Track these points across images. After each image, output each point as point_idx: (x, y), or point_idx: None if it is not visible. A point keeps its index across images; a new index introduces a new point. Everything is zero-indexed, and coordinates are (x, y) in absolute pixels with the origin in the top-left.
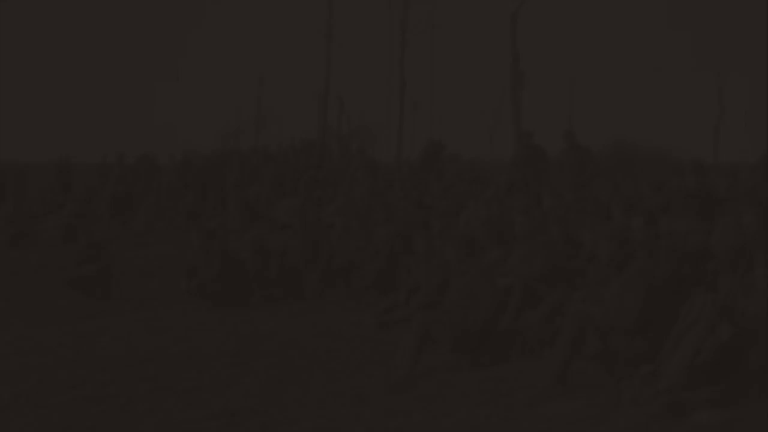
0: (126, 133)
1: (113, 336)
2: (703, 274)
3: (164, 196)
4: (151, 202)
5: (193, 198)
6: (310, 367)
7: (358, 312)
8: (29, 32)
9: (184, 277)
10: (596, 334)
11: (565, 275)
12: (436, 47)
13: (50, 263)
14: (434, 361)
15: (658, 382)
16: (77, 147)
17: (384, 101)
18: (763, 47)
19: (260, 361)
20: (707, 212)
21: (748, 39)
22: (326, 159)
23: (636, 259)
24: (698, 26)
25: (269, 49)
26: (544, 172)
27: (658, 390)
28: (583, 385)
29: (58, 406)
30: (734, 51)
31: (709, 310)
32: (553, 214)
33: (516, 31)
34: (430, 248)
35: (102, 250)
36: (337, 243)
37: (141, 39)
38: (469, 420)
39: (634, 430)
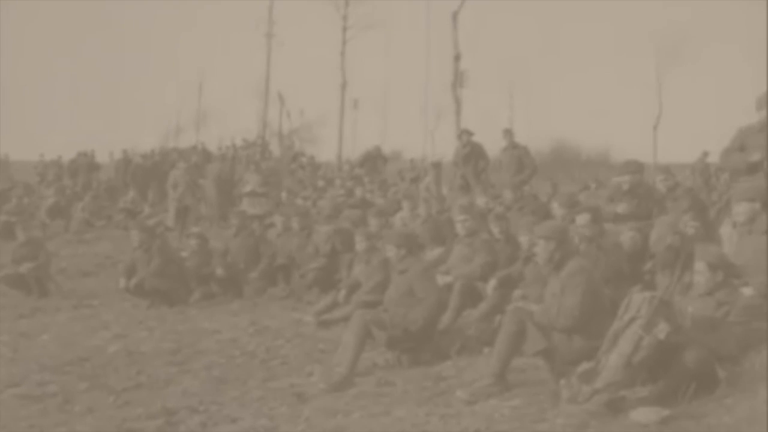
0: (66, 130)
1: (51, 334)
2: (641, 272)
3: (103, 194)
4: (90, 200)
5: (132, 196)
6: (249, 366)
7: (298, 310)
8: None
9: (122, 275)
10: (535, 332)
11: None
12: (376, 46)
13: None
14: (374, 359)
15: (596, 380)
16: (15, 145)
17: (325, 99)
18: (702, 47)
19: (200, 359)
20: (646, 212)
21: (687, 39)
22: (267, 157)
23: (575, 258)
24: (638, 25)
25: (210, 47)
26: (484, 171)
27: (596, 388)
28: (523, 383)
29: None
30: (672, 51)
31: (647, 308)
32: (493, 213)
33: (457, 30)
34: (371, 247)
35: (40, 248)
36: (278, 241)
37: (81, 36)
38: (408, 418)
39: (572, 427)
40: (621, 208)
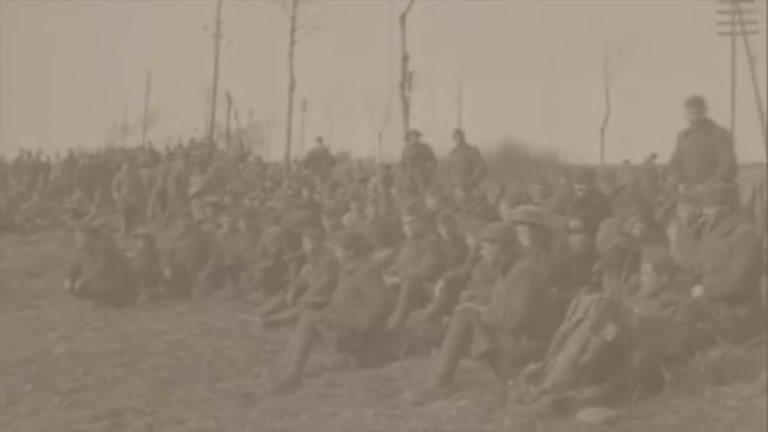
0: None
1: None
2: (589, 273)
3: (50, 194)
4: (36, 200)
5: (78, 196)
6: (196, 367)
7: (245, 311)
8: None
9: (67, 276)
10: (483, 333)
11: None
12: (325, 46)
13: None
14: (322, 360)
15: (543, 380)
16: None
17: (273, 99)
18: (650, 49)
19: (146, 361)
20: (593, 214)
21: (635, 41)
22: (215, 157)
23: (521, 260)
24: (587, 27)
25: (157, 46)
26: (432, 172)
27: (543, 388)
28: (470, 383)
29: None
30: (620, 52)
31: (594, 310)
32: (441, 215)
33: (405, 32)
34: (318, 248)
35: None
36: (225, 242)
37: (30, 33)
38: (356, 419)
39: (519, 428)
40: (573, 223)
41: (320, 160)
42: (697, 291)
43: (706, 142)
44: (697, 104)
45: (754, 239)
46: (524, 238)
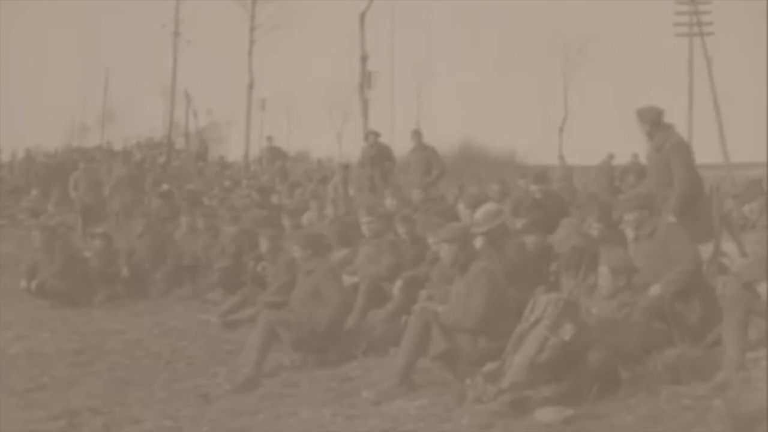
0: None
1: None
2: (546, 273)
3: (6, 194)
4: None
5: (35, 195)
6: (154, 367)
7: (203, 311)
8: None
9: (24, 276)
10: (441, 333)
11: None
12: (284, 46)
13: None
14: (280, 360)
15: (501, 380)
16: None
17: (232, 99)
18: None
19: (103, 360)
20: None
21: (593, 41)
22: (173, 156)
23: (479, 260)
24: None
25: (115, 45)
26: (391, 172)
27: (501, 388)
28: (428, 383)
29: None
30: (578, 53)
31: (552, 309)
32: (399, 214)
33: (364, 31)
34: (275, 247)
35: None
36: (183, 241)
37: None
38: (314, 419)
39: (477, 427)
40: (520, 224)
41: (273, 159)
42: (655, 290)
43: (659, 156)
44: (640, 117)
45: (680, 228)
46: (476, 241)
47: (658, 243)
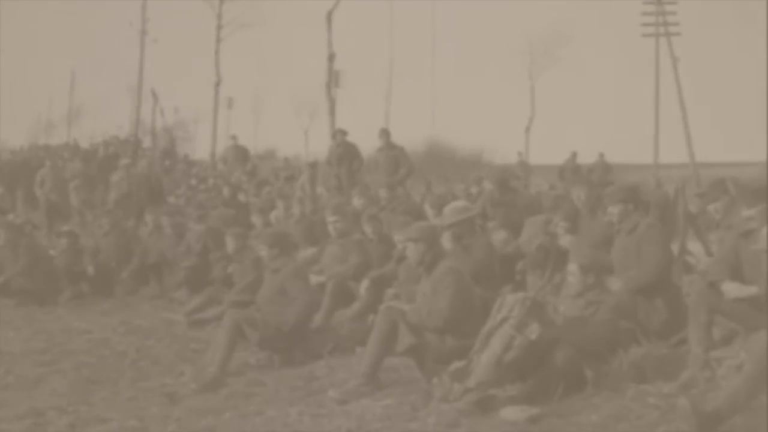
0: None
1: None
2: (513, 272)
3: None
4: None
5: (1, 193)
6: (120, 366)
7: (169, 310)
8: None
9: None
10: (405, 331)
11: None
12: (251, 44)
13: None
14: (246, 359)
15: (468, 378)
16: None
17: (199, 97)
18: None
19: (69, 359)
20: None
21: (560, 41)
22: (139, 154)
23: (445, 259)
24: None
25: (82, 42)
26: (358, 171)
27: (467, 387)
28: (395, 382)
29: None
30: (545, 52)
31: (519, 308)
32: (366, 213)
33: (332, 30)
34: (241, 246)
35: None
36: (149, 240)
37: None
38: (280, 418)
39: (443, 426)
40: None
41: (235, 158)
42: (615, 284)
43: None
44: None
45: (659, 230)
46: (446, 241)
47: (635, 240)
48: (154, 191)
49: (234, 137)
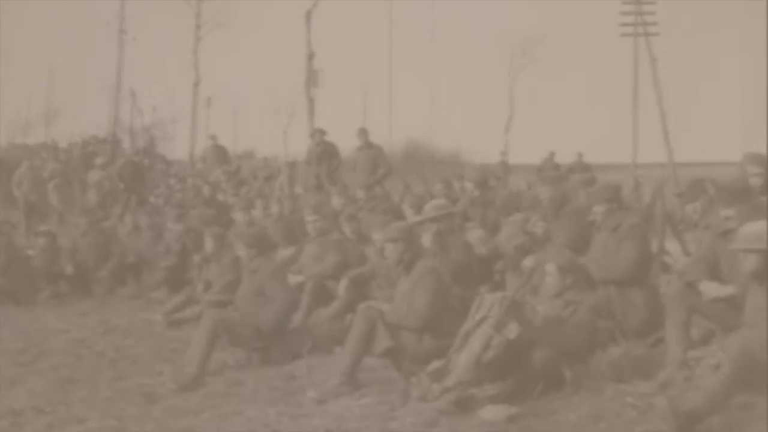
0: None
1: None
2: (491, 272)
3: None
4: None
5: None
6: (98, 366)
7: (148, 310)
8: None
9: None
10: (383, 332)
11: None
12: (230, 43)
13: None
14: (224, 358)
15: (446, 378)
16: None
17: (178, 97)
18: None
19: (47, 359)
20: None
21: (539, 40)
22: (118, 154)
23: (424, 259)
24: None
25: (60, 41)
26: (337, 170)
27: (446, 386)
28: (374, 381)
29: None
30: (524, 52)
31: (498, 308)
32: (345, 213)
33: (311, 29)
34: (222, 246)
35: None
36: (128, 240)
37: None
38: (259, 418)
39: (422, 425)
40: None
41: (215, 158)
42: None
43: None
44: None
45: (641, 230)
46: (426, 239)
47: (616, 239)
48: (137, 178)
49: (213, 137)
